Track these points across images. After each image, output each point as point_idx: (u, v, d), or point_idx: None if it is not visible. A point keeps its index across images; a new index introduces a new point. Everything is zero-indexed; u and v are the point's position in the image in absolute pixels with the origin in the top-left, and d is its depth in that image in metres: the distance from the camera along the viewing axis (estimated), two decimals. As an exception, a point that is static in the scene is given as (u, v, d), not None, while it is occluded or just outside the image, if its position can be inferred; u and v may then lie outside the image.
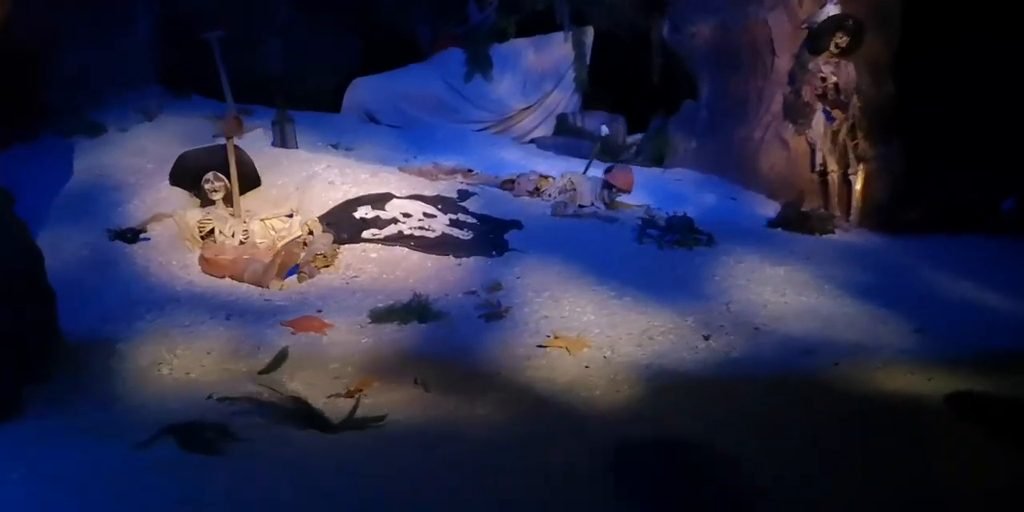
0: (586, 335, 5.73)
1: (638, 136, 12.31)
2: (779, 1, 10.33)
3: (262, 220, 7.33)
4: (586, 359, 5.45)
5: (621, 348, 5.57)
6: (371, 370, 5.35)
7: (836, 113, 9.83)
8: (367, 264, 6.87)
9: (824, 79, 9.80)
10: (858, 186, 9.89)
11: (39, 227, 7.04)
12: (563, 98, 12.34)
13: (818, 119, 9.89)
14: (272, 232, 7.24)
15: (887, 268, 7.05)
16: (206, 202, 7.54)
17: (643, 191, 9.76)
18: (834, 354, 5.41)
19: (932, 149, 9.83)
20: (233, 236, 7.15)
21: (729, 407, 4.90)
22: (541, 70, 12.23)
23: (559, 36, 12.24)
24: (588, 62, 12.28)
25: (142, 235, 7.10)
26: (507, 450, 4.43)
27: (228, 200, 7.56)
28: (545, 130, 12.25)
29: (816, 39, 9.84)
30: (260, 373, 5.38)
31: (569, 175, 8.68)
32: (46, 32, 9.81)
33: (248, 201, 7.62)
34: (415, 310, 5.95)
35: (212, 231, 7.21)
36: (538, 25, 12.28)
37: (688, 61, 11.60)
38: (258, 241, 7.17)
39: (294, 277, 6.82)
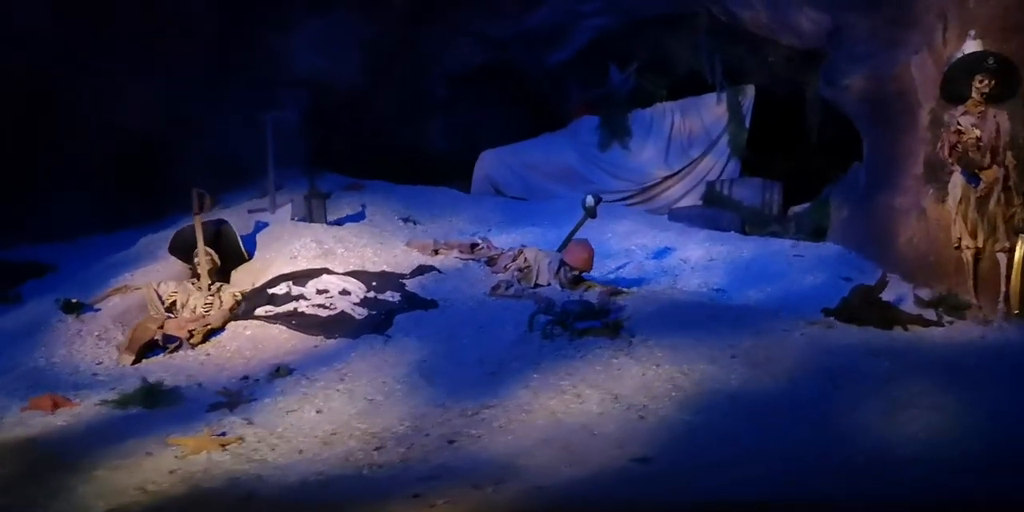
0: (263, 434, 5.03)
1: (806, 205, 10.72)
2: (924, 41, 8.56)
3: (232, 294, 7.34)
4: (193, 463, 4.77)
5: (261, 455, 4.82)
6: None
7: (982, 174, 7.84)
8: (233, 341, 6.63)
9: (961, 132, 7.87)
10: (1015, 266, 7.78)
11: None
12: (716, 164, 11.08)
13: (955, 182, 7.94)
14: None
15: (859, 375, 5.29)
16: (196, 274, 7.67)
17: (726, 268, 8.49)
18: (470, 480, 4.19)
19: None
20: (195, 310, 7.19)
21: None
22: (689, 135, 11.12)
23: (710, 98, 11.06)
24: (747, 124, 10.96)
25: (95, 306, 7.32)
26: None
27: (219, 274, 7.68)
28: (694, 199, 11.03)
29: (951, 84, 7.96)
30: None
31: (527, 251, 7.67)
32: (190, 122, 10.75)
33: (237, 274, 7.72)
34: (139, 396, 5.56)
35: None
36: (689, 86, 11.22)
37: (851, 118, 9.98)
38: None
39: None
